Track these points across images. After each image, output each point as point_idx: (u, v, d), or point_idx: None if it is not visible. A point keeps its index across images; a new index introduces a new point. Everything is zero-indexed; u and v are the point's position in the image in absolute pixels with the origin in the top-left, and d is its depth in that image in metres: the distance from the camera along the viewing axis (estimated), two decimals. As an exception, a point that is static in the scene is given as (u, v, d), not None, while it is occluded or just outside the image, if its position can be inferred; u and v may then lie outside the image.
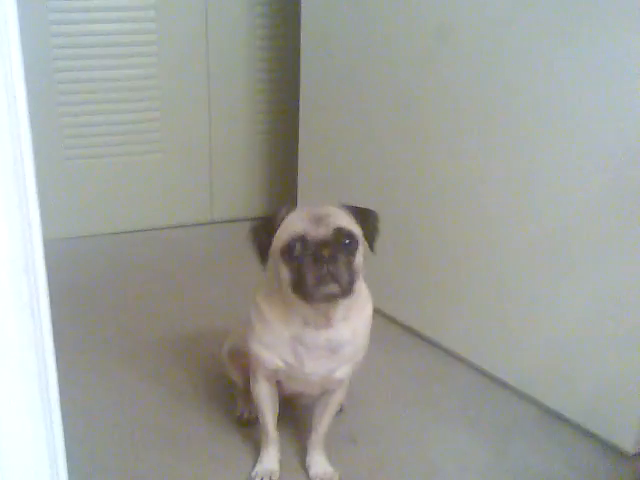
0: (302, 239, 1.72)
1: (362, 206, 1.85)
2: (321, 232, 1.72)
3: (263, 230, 1.82)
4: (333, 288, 1.70)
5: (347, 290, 1.72)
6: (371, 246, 1.83)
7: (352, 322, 1.87)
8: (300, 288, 1.71)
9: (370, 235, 1.82)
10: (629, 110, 1.97)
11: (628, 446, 2.19)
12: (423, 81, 2.54)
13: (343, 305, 1.80)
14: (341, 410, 2.28)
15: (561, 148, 2.16)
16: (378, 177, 2.82)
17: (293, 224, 1.76)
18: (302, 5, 3.04)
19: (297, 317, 1.83)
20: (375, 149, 2.82)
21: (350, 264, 1.72)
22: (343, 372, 1.93)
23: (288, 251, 1.73)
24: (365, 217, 1.83)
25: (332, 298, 1.74)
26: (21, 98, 1.13)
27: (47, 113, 3.37)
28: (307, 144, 3.23)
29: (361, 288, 1.89)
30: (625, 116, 1.99)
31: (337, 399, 2.06)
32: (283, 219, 1.79)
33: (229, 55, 3.61)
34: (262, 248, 1.80)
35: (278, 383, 2.01)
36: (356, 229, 1.78)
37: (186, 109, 3.63)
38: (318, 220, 1.74)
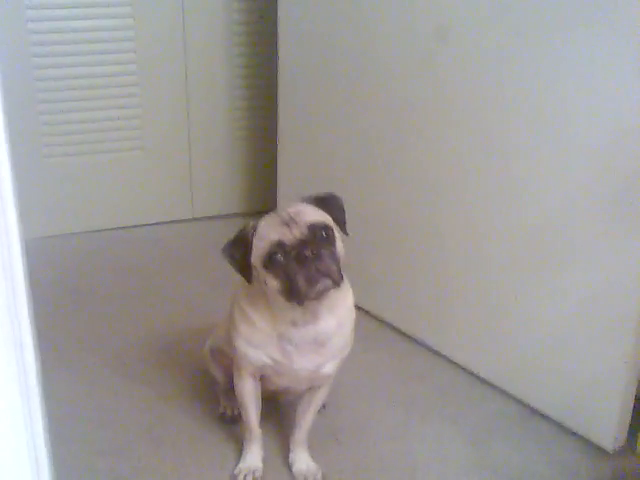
0: (280, 245, 1.72)
1: (322, 193, 1.86)
2: (296, 233, 1.73)
3: (237, 248, 1.82)
4: (325, 282, 1.72)
5: (339, 279, 1.74)
6: (343, 229, 1.84)
7: (336, 313, 1.88)
8: (292, 293, 1.72)
9: (339, 219, 1.83)
10: (615, 106, 2.00)
11: (608, 443, 2.22)
12: (408, 78, 2.54)
13: (328, 297, 1.80)
14: (323, 407, 2.29)
15: (547, 143, 2.18)
16: (359, 174, 2.82)
17: (267, 233, 1.76)
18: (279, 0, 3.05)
19: (284, 318, 1.84)
20: (356, 144, 2.82)
21: (333, 254, 1.74)
22: (331, 367, 1.94)
23: (270, 261, 1.73)
24: (329, 203, 1.85)
25: (325, 292, 1.75)
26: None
27: (25, 111, 3.33)
28: (286, 140, 3.22)
29: None
30: (611, 111, 2.01)
31: (321, 396, 2.08)
32: (254, 232, 1.79)
33: (207, 51, 3.58)
34: (241, 266, 1.81)
35: (262, 379, 2.02)
36: (326, 218, 1.80)
37: (165, 105, 3.61)
38: (289, 222, 1.74)
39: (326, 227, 1.76)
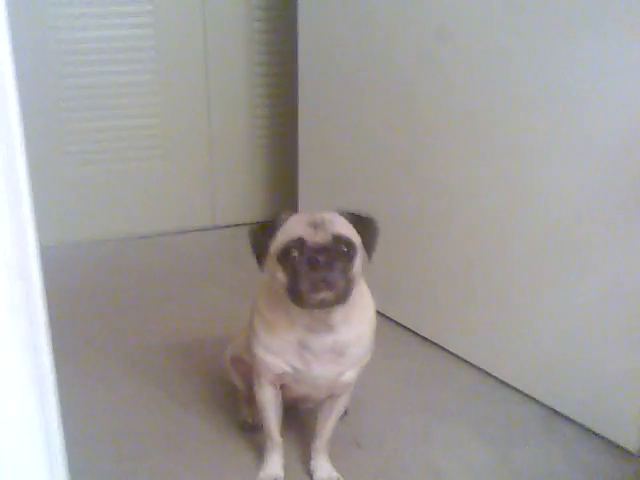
0: (300, 243, 1.71)
1: (363, 213, 1.83)
2: (319, 238, 1.71)
3: (262, 232, 1.81)
4: (327, 294, 1.69)
5: (342, 297, 1.72)
6: (369, 255, 1.81)
7: (355, 325, 1.86)
8: (294, 293, 1.70)
9: (368, 243, 1.81)
10: (626, 106, 1.98)
11: (631, 445, 2.20)
12: (423, 84, 2.54)
13: (341, 310, 1.79)
14: (345, 414, 2.28)
15: (558, 144, 2.17)
16: (378, 180, 2.83)
17: (292, 228, 1.75)
18: (299, 9, 3.04)
19: (300, 323, 1.82)
20: (375, 152, 2.83)
21: (346, 272, 1.71)
22: (350, 375, 1.93)
23: (285, 254, 1.72)
24: (365, 225, 1.82)
25: (326, 304, 1.73)
26: (12, 101, 1.13)
27: (48, 119, 3.36)
28: (307, 148, 3.23)
29: (362, 291, 1.89)
30: (622, 112, 2.00)
31: (342, 403, 2.07)
32: (283, 223, 1.79)
33: (227, 59, 3.62)
34: (260, 250, 1.80)
35: (282, 387, 2.01)
36: (355, 237, 1.77)
37: (186, 114, 3.64)
38: (317, 225, 1.73)
39: (350, 243, 1.74)
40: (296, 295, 1.70)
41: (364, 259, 1.80)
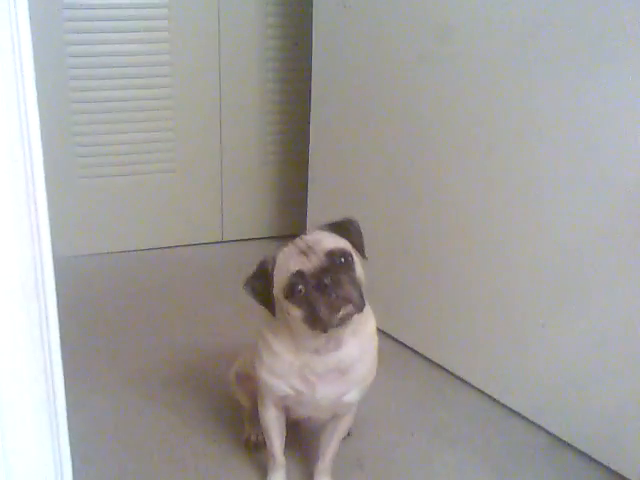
0: (300, 275, 1.71)
1: (338, 220, 1.84)
2: (314, 261, 1.71)
3: (257, 282, 1.81)
4: (347, 309, 1.70)
5: (359, 304, 1.71)
6: (362, 253, 1.82)
7: (359, 338, 1.86)
8: (315, 322, 1.70)
9: (357, 243, 1.81)
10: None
11: (633, 474, 2.19)
12: (440, 106, 2.55)
13: (351, 322, 1.79)
14: (349, 434, 2.28)
15: (574, 168, 2.16)
16: (388, 196, 2.83)
17: (286, 263, 1.75)
18: (314, 27, 3.06)
19: (307, 347, 1.82)
20: (385, 169, 2.83)
21: (353, 280, 1.72)
22: (353, 395, 1.92)
23: (291, 291, 1.72)
24: (346, 228, 1.83)
25: (349, 318, 1.73)
26: (33, 117, 1.14)
27: (62, 132, 3.40)
28: (318, 163, 3.23)
29: None
30: (636, 147, 1.99)
31: (345, 424, 2.06)
32: (273, 264, 1.78)
33: (241, 75, 3.64)
34: (265, 299, 1.80)
35: (286, 408, 2.01)
36: (344, 244, 1.78)
37: (198, 129, 3.66)
38: (307, 251, 1.73)
39: (344, 253, 1.74)
40: (318, 323, 1.70)
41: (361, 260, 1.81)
